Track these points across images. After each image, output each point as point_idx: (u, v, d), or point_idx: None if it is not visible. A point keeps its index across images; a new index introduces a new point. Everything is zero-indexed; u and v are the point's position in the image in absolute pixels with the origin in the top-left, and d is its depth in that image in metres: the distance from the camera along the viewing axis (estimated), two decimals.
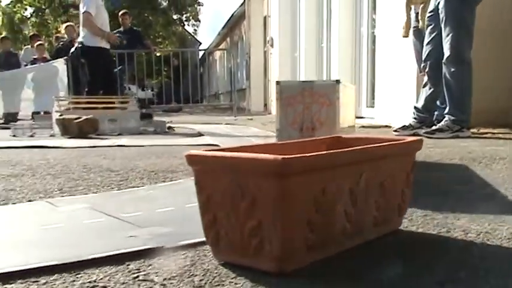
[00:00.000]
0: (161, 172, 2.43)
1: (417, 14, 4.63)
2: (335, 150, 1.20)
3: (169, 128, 6.05)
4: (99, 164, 2.74)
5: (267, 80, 12.28)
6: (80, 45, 6.65)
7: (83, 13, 6.38)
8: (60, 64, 8.59)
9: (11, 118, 8.61)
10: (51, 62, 8.86)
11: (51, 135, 5.19)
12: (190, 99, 14.21)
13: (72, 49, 7.70)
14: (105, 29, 6.50)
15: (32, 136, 5.23)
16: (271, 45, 11.32)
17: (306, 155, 1.03)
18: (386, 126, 5.84)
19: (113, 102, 6.06)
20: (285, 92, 2.21)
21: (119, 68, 9.92)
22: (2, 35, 10.45)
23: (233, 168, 1.06)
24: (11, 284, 1.00)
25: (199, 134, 4.95)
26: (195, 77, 16.53)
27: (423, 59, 4.30)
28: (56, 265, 1.07)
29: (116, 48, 9.89)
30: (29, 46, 11.95)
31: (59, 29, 10.21)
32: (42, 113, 8.88)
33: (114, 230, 1.38)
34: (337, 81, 2.19)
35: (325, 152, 1.17)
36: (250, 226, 1.03)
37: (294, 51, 10.47)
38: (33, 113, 8.78)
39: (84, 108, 5.83)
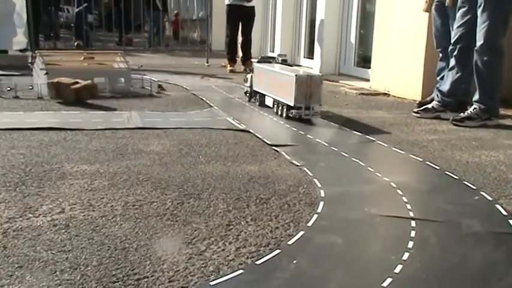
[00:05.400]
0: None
1: None
2: None
3: (159, 86, 5.67)
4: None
5: None
6: None
7: None
8: None
9: None
10: None
11: (39, 97, 4.71)
12: (132, 25, 13.45)
13: None
14: None
15: (17, 97, 4.73)
16: None
17: None
18: (384, 94, 5.80)
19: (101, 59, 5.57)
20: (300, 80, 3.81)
21: (84, 5, 9.19)
22: None
23: None
24: None
25: (209, 106, 4.66)
26: None
27: (452, 41, 4.19)
28: None
29: None
30: None
31: None
32: None
33: None
34: (323, 75, 4.25)
35: None
36: None
37: None
38: None
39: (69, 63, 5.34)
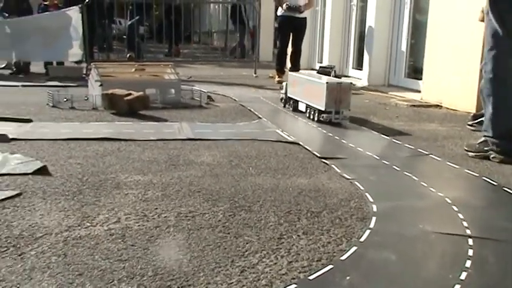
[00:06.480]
0: None
1: None
2: None
3: (209, 97, 5.74)
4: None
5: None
6: None
7: None
8: (74, 12, 8.04)
9: (22, 68, 8.16)
10: (64, 9, 8.29)
11: (94, 108, 4.87)
12: (182, 37, 13.66)
13: None
14: None
15: (73, 108, 4.91)
16: None
17: None
18: (437, 105, 5.67)
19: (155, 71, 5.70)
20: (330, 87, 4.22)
21: (136, 18, 9.46)
22: None
23: None
24: None
25: (257, 117, 4.68)
26: (186, 11, 15.81)
27: None
28: None
29: None
30: None
31: None
32: (54, 63, 8.47)
33: None
34: (351, 83, 4.69)
35: None
36: None
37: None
38: (46, 64, 8.32)
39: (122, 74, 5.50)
